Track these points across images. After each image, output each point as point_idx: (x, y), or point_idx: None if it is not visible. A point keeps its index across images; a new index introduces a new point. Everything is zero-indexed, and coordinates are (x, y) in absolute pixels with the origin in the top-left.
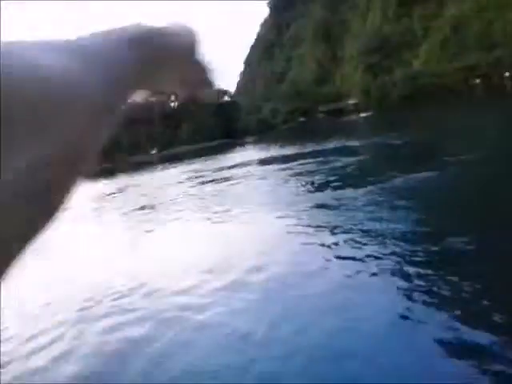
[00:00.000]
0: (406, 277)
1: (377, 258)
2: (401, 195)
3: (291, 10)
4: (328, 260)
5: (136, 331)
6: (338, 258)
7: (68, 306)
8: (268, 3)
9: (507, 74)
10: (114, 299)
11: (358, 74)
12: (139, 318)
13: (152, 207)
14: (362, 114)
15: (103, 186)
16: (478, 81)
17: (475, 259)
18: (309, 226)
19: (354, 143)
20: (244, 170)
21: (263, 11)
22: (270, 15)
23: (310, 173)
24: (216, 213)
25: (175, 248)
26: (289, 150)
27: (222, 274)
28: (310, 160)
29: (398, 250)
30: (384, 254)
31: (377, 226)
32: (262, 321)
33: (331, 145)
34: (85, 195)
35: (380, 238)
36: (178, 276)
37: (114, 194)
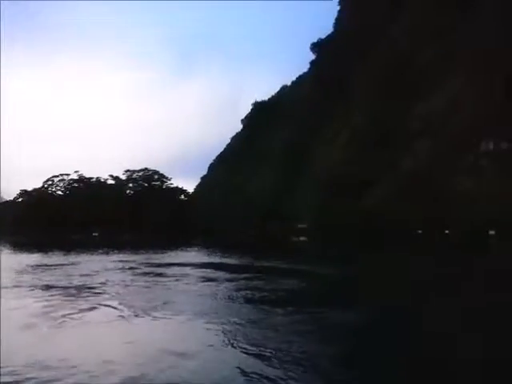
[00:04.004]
0: None
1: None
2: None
3: (262, 129)
4: None
5: None
6: None
7: None
8: (242, 120)
9: (447, 231)
10: None
11: (311, 201)
12: None
13: (77, 289)
14: (302, 238)
15: (34, 258)
16: (420, 231)
17: None
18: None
19: (287, 265)
20: (182, 270)
21: (237, 126)
22: (242, 131)
23: (243, 285)
24: (135, 309)
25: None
26: (229, 260)
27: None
28: (246, 275)
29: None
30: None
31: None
32: None
33: (268, 263)
34: (10, 265)
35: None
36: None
37: (44, 268)
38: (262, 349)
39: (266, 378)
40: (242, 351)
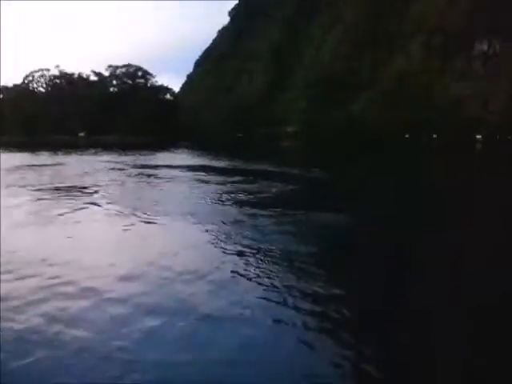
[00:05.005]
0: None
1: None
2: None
3: (251, 24)
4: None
5: None
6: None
7: None
8: (229, 12)
9: (435, 135)
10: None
11: (301, 104)
12: None
13: (69, 189)
14: (291, 142)
15: (22, 158)
16: (407, 136)
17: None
18: (215, 238)
19: (277, 169)
20: (171, 172)
21: (224, 19)
22: (230, 24)
23: (231, 188)
24: (125, 210)
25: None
26: (218, 162)
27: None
28: (235, 178)
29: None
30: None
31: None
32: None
33: (257, 166)
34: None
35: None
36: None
37: (33, 168)
38: (241, 247)
39: (239, 273)
40: (221, 250)
